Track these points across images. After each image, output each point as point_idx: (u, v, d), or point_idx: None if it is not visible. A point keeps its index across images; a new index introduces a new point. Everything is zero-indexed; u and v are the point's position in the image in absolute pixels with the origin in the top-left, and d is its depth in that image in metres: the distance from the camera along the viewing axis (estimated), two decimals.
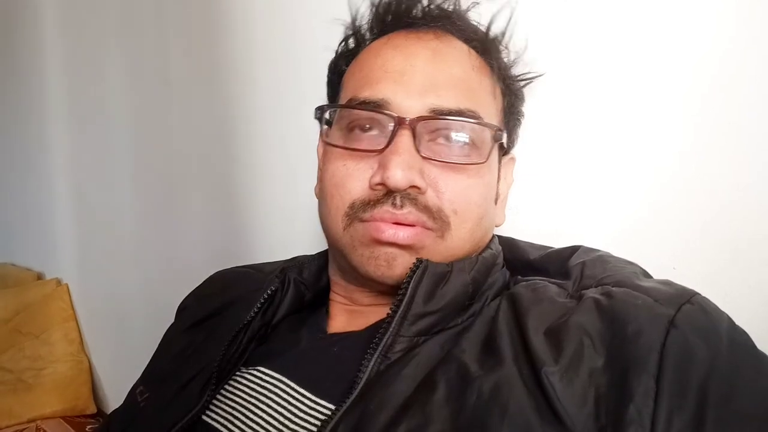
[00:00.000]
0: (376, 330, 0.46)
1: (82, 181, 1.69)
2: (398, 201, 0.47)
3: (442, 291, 0.46)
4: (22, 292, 1.79)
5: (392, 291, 0.48)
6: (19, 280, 1.90)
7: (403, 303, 0.45)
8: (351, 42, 0.58)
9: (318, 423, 0.43)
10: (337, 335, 0.52)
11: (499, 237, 0.58)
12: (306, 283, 0.58)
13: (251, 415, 0.47)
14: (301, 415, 0.45)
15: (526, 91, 0.60)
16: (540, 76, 0.60)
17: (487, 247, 0.53)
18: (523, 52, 0.58)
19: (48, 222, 1.86)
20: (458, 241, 0.49)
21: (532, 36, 0.60)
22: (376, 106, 0.48)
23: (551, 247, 0.56)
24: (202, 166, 1.24)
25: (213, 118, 1.19)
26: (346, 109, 0.50)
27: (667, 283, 0.45)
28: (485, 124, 0.49)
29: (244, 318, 0.53)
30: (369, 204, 0.48)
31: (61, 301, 1.73)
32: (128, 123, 1.46)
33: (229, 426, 0.48)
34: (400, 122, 0.47)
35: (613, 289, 0.44)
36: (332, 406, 0.44)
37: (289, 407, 0.46)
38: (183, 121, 1.28)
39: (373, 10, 0.56)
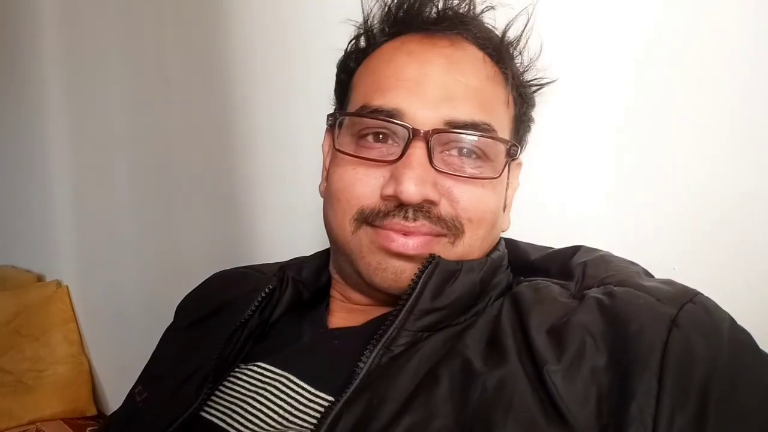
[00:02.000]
0: (377, 325, 0.46)
1: (82, 183, 1.69)
2: (411, 214, 0.46)
3: (450, 288, 0.46)
4: (23, 293, 1.78)
5: (394, 298, 0.48)
6: (19, 281, 1.89)
7: (412, 297, 0.45)
8: (362, 41, 0.56)
9: (318, 415, 0.43)
10: (338, 330, 0.52)
11: (504, 239, 0.57)
12: (304, 282, 0.58)
13: (250, 409, 0.47)
14: (301, 407, 0.45)
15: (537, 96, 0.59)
16: (553, 82, 0.58)
17: (495, 249, 0.53)
18: (537, 57, 0.57)
19: (48, 224, 1.85)
20: (469, 247, 0.49)
21: (547, 41, 0.59)
22: (389, 116, 0.47)
23: (551, 248, 0.56)
24: (202, 167, 1.24)
25: (213, 118, 1.19)
26: (358, 116, 0.50)
27: (669, 282, 0.45)
28: (500, 139, 0.49)
29: (242, 316, 0.53)
30: (379, 214, 0.47)
31: (61, 303, 1.73)
32: (128, 124, 1.45)
33: (228, 420, 0.48)
34: (414, 134, 0.46)
35: (615, 288, 0.44)
36: (332, 398, 0.44)
37: (289, 400, 0.46)
38: (183, 121, 1.28)
39: (386, 9, 0.54)
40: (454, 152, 0.48)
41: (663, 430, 0.36)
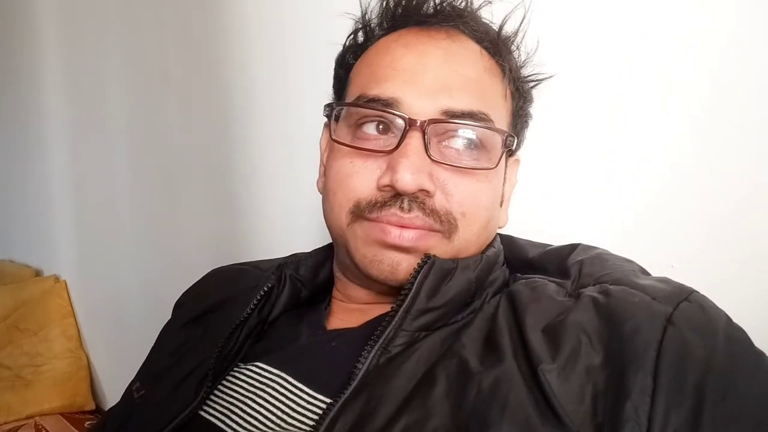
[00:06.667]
0: (374, 326, 0.46)
1: (80, 178, 1.68)
2: (406, 204, 0.46)
3: (446, 287, 0.46)
4: (21, 288, 1.78)
5: (393, 291, 0.48)
6: (17, 276, 1.89)
7: (408, 297, 0.45)
8: (360, 36, 0.56)
9: (316, 417, 0.43)
10: (336, 331, 0.52)
11: (500, 236, 0.58)
12: (302, 280, 0.58)
13: (249, 410, 0.47)
14: (299, 409, 0.45)
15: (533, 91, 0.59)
16: (551, 77, 0.58)
17: (491, 245, 0.53)
18: (534, 53, 0.57)
19: (46, 218, 1.85)
20: (464, 243, 0.49)
21: (543, 37, 0.59)
22: (386, 105, 0.47)
23: (550, 245, 0.56)
24: (200, 161, 1.24)
25: (212, 116, 1.19)
26: (354, 107, 0.49)
27: (665, 280, 0.45)
28: (496, 129, 0.49)
29: (240, 314, 0.53)
30: (376, 205, 0.47)
31: (59, 298, 1.73)
32: (127, 119, 1.45)
33: (227, 421, 0.48)
34: (411, 124, 0.46)
35: (611, 287, 0.44)
36: (330, 400, 0.44)
37: (287, 401, 0.46)
38: (182, 118, 1.28)
39: (383, 4, 0.54)
40: (451, 142, 0.48)
41: (658, 429, 0.36)
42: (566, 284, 0.48)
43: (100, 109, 1.55)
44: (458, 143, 0.48)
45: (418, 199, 0.46)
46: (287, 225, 1.04)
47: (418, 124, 0.46)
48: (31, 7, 1.81)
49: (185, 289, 0.67)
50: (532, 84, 0.57)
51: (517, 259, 0.56)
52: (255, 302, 0.53)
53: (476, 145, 0.48)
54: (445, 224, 0.47)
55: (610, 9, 0.63)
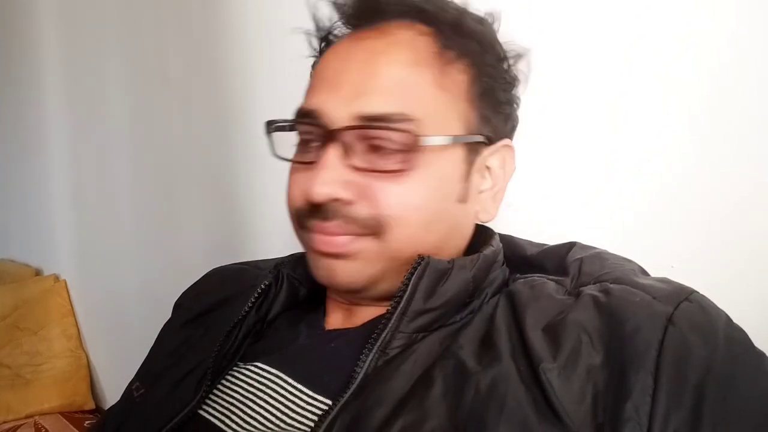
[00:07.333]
0: (373, 326, 0.46)
1: (80, 177, 1.68)
2: (325, 214, 0.46)
3: (443, 288, 0.46)
4: (20, 287, 1.78)
5: (386, 293, 0.48)
6: (17, 275, 1.89)
7: (403, 299, 0.45)
8: (323, 45, 0.56)
9: (315, 418, 0.43)
10: (335, 332, 0.52)
11: (500, 235, 0.57)
12: (300, 279, 0.58)
13: (248, 411, 0.47)
14: (299, 410, 0.45)
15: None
16: (524, 54, 0.53)
17: (488, 244, 0.52)
18: (498, 26, 0.52)
19: (46, 218, 1.85)
20: (398, 243, 0.47)
21: (543, 37, 0.57)
22: (309, 117, 0.47)
23: (547, 245, 0.56)
24: (200, 161, 1.24)
25: (212, 116, 1.19)
26: (289, 122, 0.50)
27: (665, 280, 0.45)
28: (405, 130, 0.45)
29: (239, 312, 0.53)
30: (305, 215, 0.48)
31: (59, 297, 1.73)
32: (127, 119, 1.45)
33: (226, 421, 0.48)
34: (326, 134, 0.46)
35: (612, 286, 0.44)
36: (329, 402, 0.44)
37: (287, 403, 0.46)
38: (182, 117, 1.28)
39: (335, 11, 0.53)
40: (373, 147, 0.46)
41: (658, 429, 0.36)
42: (565, 282, 0.48)
43: (101, 108, 1.55)
44: (377, 147, 0.46)
45: (333, 208, 0.46)
46: (287, 225, 1.04)
47: (333, 133, 0.46)
48: (32, 7, 1.81)
49: (185, 289, 0.67)
50: (509, 62, 0.52)
51: (516, 256, 0.55)
52: (252, 300, 0.53)
53: (398, 148, 0.46)
54: (369, 228, 0.46)
55: (610, 9, 0.63)
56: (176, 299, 0.67)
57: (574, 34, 0.66)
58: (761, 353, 0.41)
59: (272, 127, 0.52)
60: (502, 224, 0.57)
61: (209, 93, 1.18)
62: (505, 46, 0.52)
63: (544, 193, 0.69)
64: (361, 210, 0.46)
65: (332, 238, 0.47)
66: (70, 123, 1.70)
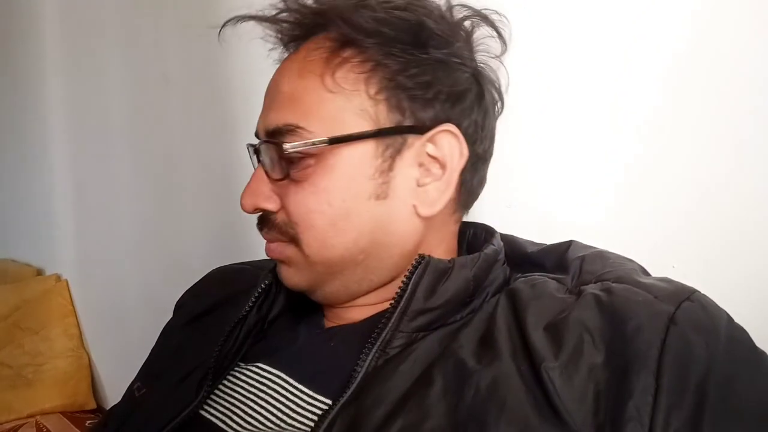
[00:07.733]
0: (372, 322, 0.46)
1: (81, 177, 1.68)
2: (262, 224, 0.51)
3: (444, 287, 0.46)
4: (22, 287, 1.78)
5: (382, 287, 0.49)
6: (18, 275, 1.89)
7: (404, 298, 0.45)
8: None
9: (315, 418, 0.43)
10: (334, 328, 0.52)
11: (501, 234, 0.57)
12: None
13: (249, 411, 0.48)
14: (299, 410, 0.46)
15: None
16: (488, 16, 0.50)
17: (489, 243, 0.52)
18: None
19: (48, 218, 1.85)
20: (311, 248, 0.48)
21: (543, 37, 0.57)
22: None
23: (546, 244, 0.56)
24: (200, 161, 1.24)
25: (212, 116, 1.19)
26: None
27: (667, 280, 0.45)
28: (275, 142, 0.47)
29: (239, 313, 0.53)
30: (257, 224, 0.52)
31: (60, 297, 1.73)
32: (128, 118, 1.45)
33: (228, 421, 0.48)
34: (255, 150, 0.52)
35: (613, 285, 0.44)
36: (330, 402, 0.44)
37: (288, 403, 0.47)
38: (183, 117, 1.28)
39: None
40: (285, 158, 0.48)
41: (660, 429, 0.36)
42: (565, 280, 0.48)
43: (102, 109, 1.55)
44: (288, 158, 0.48)
45: (266, 217, 0.50)
46: None
47: (256, 149, 0.51)
48: (32, 8, 1.81)
49: (186, 289, 0.67)
50: (447, 38, 0.48)
51: (516, 255, 0.55)
52: (253, 300, 0.54)
53: (300, 156, 0.47)
54: (288, 235, 0.49)
55: (610, 9, 0.63)
56: (177, 299, 0.67)
57: (574, 34, 0.66)
58: (762, 353, 0.41)
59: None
60: (502, 224, 0.57)
61: (209, 94, 1.18)
62: (455, 13, 0.50)
63: (544, 193, 0.69)
64: (280, 218, 0.49)
65: (269, 245, 0.51)
66: (71, 123, 1.71)
